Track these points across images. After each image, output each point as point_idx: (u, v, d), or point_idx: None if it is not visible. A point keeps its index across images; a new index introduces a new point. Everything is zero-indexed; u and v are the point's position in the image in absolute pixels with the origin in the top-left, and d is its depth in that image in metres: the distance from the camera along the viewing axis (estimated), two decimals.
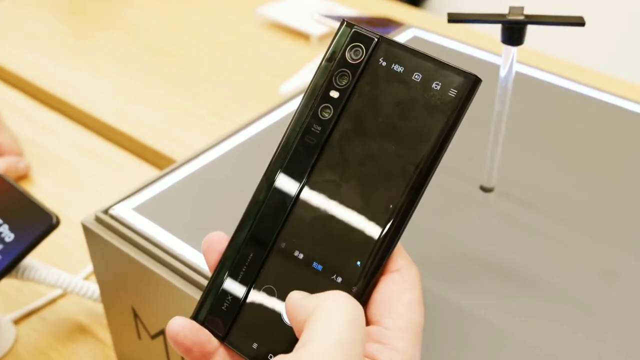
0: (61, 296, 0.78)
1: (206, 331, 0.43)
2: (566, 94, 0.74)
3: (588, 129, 0.69)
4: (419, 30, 0.84)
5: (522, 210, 0.60)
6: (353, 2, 1.34)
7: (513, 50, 0.55)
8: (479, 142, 0.64)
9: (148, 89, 1.12)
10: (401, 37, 0.82)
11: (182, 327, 0.42)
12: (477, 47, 0.80)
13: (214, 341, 0.43)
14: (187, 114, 1.05)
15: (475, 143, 0.65)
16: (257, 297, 0.43)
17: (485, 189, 0.61)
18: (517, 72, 0.58)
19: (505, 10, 0.53)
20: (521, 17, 0.53)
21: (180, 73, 1.16)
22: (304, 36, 1.23)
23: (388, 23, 1.23)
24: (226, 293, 0.44)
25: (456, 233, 0.58)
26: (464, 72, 0.41)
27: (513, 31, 0.54)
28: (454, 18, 0.53)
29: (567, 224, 0.58)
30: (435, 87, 0.41)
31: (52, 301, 0.77)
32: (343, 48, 0.43)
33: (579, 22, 0.52)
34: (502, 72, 0.57)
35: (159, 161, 0.97)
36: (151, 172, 0.96)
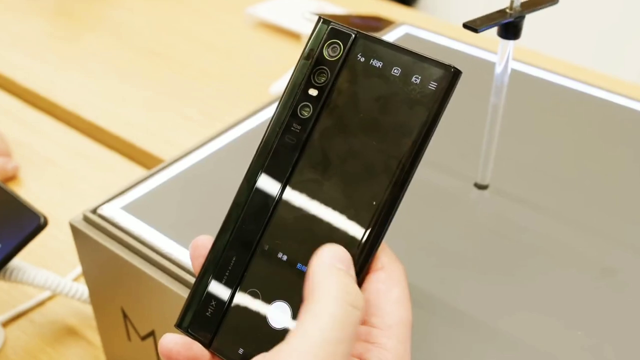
0: (50, 298, 0.77)
1: (198, 344, 0.42)
2: (561, 91, 0.73)
3: (584, 126, 0.69)
4: (411, 28, 0.83)
5: (517, 207, 0.59)
6: (343, 0, 1.33)
7: (510, 44, 0.54)
8: (473, 139, 0.63)
9: (137, 90, 1.11)
10: (393, 34, 0.82)
11: (175, 344, 0.41)
12: (471, 44, 0.80)
13: (206, 354, 0.42)
14: (177, 114, 1.05)
15: (469, 140, 0.64)
16: (242, 301, 0.42)
17: (480, 186, 0.61)
18: (512, 69, 0.57)
19: (499, 6, 0.53)
20: (520, 10, 0.52)
21: (170, 74, 1.15)
22: (294, 35, 1.23)
23: (379, 22, 1.22)
24: (210, 298, 0.43)
25: (450, 231, 0.57)
26: (444, 64, 0.40)
27: (510, 25, 0.53)
28: (478, 26, 0.52)
29: (563, 221, 0.57)
30: (415, 80, 0.40)
31: (41, 303, 0.77)
32: (320, 45, 0.43)
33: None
34: (498, 67, 0.56)
35: (148, 162, 0.96)
36: (141, 172, 0.95)
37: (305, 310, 0.37)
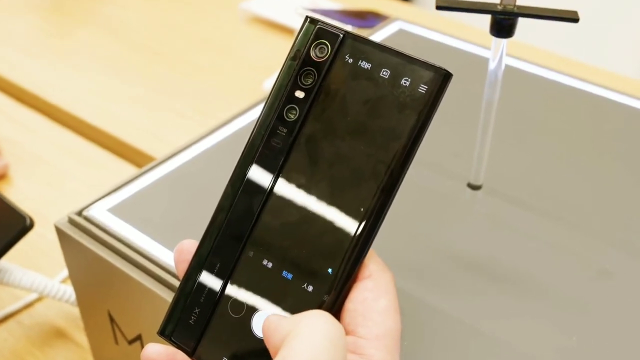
0: (38, 300, 0.76)
1: (182, 354, 0.41)
2: (556, 87, 0.72)
3: (579, 124, 0.68)
4: (404, 23, 0.82)
5: (511, 208, 0.58)
6: None
7: (503, 42, 0.53)
8: (465, 138, 0.62)
9: (130, 87, 1.09)
10: (386, 31, 0.80)
11: (158, 354, 0.40)
12: (465, 40, 0.78)
13: None
14: (170, 111, 1.03)
15: (462, 139, 0.63)
16: (225, 309, 0.41)
17: (473, 187, 0.59)
18: (506, 65, 0.56)
19: (496, 0, 0.51)
20: (513, 9, 0.51)
21: (163, 70, 1.14)
22: (287, 30, 1.21)
23: (373, 16, 1.21)
24: (193, 306, 0.42)
25: (443, 233, 0.56)
26: (434, 66, 0.39)
27: (503, 23, 0.52)
28: (442, 4, 0.50)
29: (558, 223, 0.56)
30: (405, 83, 0.39)
31: (29, 305, 0.76)
32: (307, 46, 0.42)
33: (572, 17, 0.50)
34: (492, 65, 0.55)
35: (141, 160, 0.95)
36: (132, 171, 0.94)
37: (293, 335, 0.35)
